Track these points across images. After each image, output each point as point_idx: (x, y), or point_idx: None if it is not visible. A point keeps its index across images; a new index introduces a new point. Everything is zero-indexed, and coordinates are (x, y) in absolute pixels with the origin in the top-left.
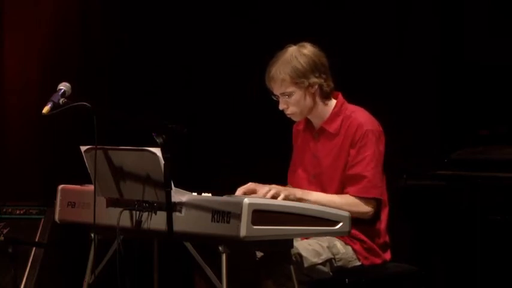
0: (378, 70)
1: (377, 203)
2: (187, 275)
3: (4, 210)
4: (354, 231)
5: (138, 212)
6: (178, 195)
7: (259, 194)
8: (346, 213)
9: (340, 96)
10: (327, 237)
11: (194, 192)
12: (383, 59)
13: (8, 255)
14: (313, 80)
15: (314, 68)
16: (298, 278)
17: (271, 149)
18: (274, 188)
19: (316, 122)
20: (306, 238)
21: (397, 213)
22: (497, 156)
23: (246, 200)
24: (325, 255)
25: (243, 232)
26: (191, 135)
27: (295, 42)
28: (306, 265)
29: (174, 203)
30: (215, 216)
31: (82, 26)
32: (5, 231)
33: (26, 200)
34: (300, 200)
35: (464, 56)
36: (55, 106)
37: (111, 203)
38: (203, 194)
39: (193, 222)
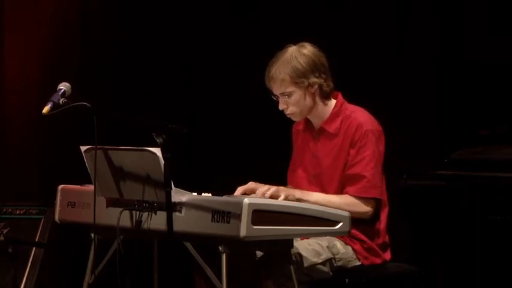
0: (378, 70)
1: (376, 203)
2: (187, 275)
3: (4, 210)
4: (354, 231)
5: (138, 212)
6: (178, 195)
7: (258, 193)
8: (346, 213)
9: (340, 96)
10: (327, 237)
11: (194, 192)
12: (383, 59)
13: (8, 255)
14: (313, 80)
15: (314, 68)
16: (298, 278)
17: (271, 149)
18: (273, 188)
19: (316, 122)
20: (306, 238)
21: (397, 213)
22: (497, 156)
23: (246, 200)
24: (325, 255)
25: (243, 232)
26: (191, 135)
27: (295, 42)
28: (306, 265)
29: (174, 203)
30: (215, 216)
31: (82, 26)
32: (5, 231)
33: (26, 200)
34: (299, 200)
35: (464, 56)
36: (55, 106)
37: (111, 203)
38: (203, 194)
39: (193, 222)
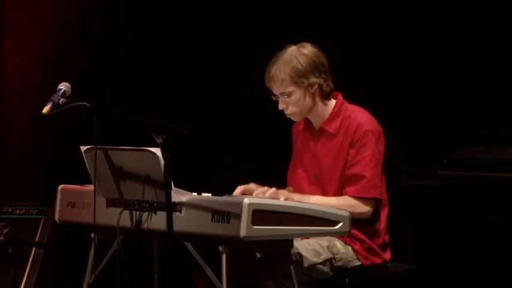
0: (378, 70)
1: (376, 203)
2: (187, 275)
3: (4, 210)
4: (354, 231)
5: (138, 212)
6: (178, 195)
7: (255, 194)
8: (346, 213)
9: (339, 96)
10: (327, 237)
11: (194, 192)
12: (383, 59)
13: (8, 255)
14: (313, 80)
15: (314, 68)
16: (298, 277)
17: (271, 149)
18: (271, 190)
19: (316, 122)
20: (306, 238)
21: (397, 213)
22: (497, 156)
23: (246, 200)
24: (325, 255)
25: (243, 232)
26: (191, 135)
27: (295, 42)
28: (305, 265)
29: (174, 203)
30: (215, 216)
31: (82, 26)
32: (5, 231)
33: (26, 200)
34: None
35: (464, 56)
36: (55, 106)
37: (111, 203)
38: (203, 194)
39: (193, 222)
